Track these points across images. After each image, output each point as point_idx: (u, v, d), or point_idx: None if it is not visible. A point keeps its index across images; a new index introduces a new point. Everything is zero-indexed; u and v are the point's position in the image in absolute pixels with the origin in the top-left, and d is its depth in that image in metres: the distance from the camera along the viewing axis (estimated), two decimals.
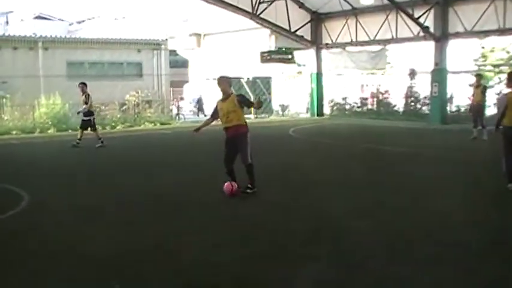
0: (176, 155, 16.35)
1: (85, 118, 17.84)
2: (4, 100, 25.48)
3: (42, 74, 27.13)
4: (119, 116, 27.74)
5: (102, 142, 17.78)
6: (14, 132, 24.10)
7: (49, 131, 24.90)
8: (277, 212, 8.14)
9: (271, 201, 8.84)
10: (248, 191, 9.03)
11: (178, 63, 43.86)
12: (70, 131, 24.60)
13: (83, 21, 55.58)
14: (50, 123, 25.41)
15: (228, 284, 5.23)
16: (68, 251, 6.23)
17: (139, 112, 28.82)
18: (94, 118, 18.24)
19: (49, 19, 51.98)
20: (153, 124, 27.90)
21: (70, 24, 55.09)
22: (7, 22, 32.78)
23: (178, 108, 34.79)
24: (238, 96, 9.35)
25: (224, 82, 9.18)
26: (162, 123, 28.24)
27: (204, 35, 40.64)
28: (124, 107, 28.32)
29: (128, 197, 9.33)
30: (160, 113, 29.67)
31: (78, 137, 17.88)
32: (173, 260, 5.88)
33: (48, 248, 6.35)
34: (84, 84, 18.01)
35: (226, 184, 9.00)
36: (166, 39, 32.60)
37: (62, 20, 54.25)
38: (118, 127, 26.43)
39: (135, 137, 22.66)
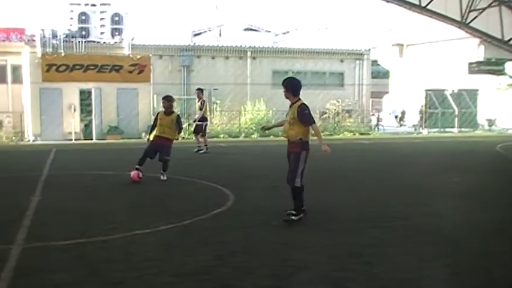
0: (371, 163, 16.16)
1: (198, 122, 18.44)
2: (215, 105, 27.39)
3: (249, 82, 28.66)
4: (319, 124, 28.21)
5: (207, 149, 18.30)
6: (222, 135, 25.78)
7: (252, 136, 26.22)
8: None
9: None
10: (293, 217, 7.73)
11: (379, 74, 43.53)
12: (272, 136, 25.67)
13: (288, 32, 57.80)
14: (253, 128, 26.74)
15: None
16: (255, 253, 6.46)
17: (339, 121, 29.09)
18: (206, 124, 18.79)
19: (257, 30, 54.90)
20: (352, 134, 27.98)
21: (276, 35, 57.64)
22: (220, 34, 35.39)
23: (378, 118, 34.52)
24: None
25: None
26: (361, 133, 28.21)
27: (407, 45, 39.82)
28: (324, 116, 28.78)
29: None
30: (359, 122, 29.68)
31: (197, 142, 18.60)
32: None
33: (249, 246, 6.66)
34: (200, 90, 18.78)
35: None
36: (369, 49, 32.54)
37: (269, 31, 56.96)
38: None
39: (334, 145, 22.82)
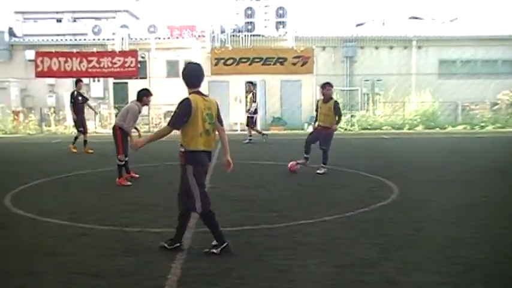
0: None
1: (249, 115, 18.91)
2: (378, 97, 26.95)
3: (414, 72, 27.80)
4: (489, 116, 26.65)
5: (250, 140, 18.95)
6: (385, 127, 25.31)
7: (417, 128, 25.42)
8: None
9: None
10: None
11: None
12: (438, 129, 24.74)
13: (455, 19, 55.00)
14: (418, 120, 25.92)
15: None
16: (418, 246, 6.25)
17: None
18: (256, 117, 19.27)
19: (422, 19, 52.94)
20: None
21: (442, 23, 55.15)
22: (383, 24, 34.73)
23: None
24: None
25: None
26: None
27: None
28: (496, 107, 27.06)
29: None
30: None
31: (249, 134, 19.10)
32: None
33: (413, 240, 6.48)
34: (251, 83, 18.92)
35: None
36: None
37: (434, 19, 54.65)
38: (487, 127, 25.43)
39: (506, 138, 21.41)
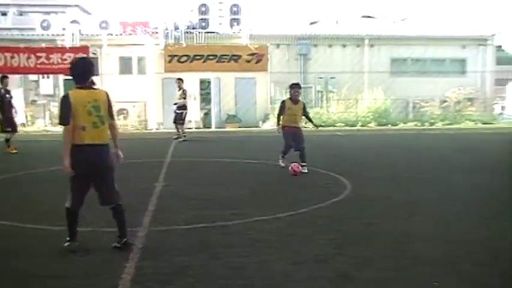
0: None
1: (178, 111, 18.96)
2: (332, 94, 27.26)
3: (366, 70, 28.23)
4: (438, 113, 27.30)
5: (185, 138, 18.93)
6: (338, 124, 25.63)
7: (369, 125, 25.82)
8: None
9: None
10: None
11: (504, 60, 41.17)
12: (390, 125, 25.18)
13: (406, 18, 56.00)
14: (371, 117, 26.34)
15: None
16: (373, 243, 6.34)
17: (460, 110, 27.93)
18: (186, 113, 19.24)
19: (374, 18, 53.74)
20: (474, 123, 26.77)
21: (393, 22, 56.07)
22: (337, 22, 35.10)
23: (502, 107, 32.80)
24: None
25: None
26: (484, 123, 26.93)
27: None
28: (444, 104, 27.76)
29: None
30: (482, 111, 28.33)
31: (178, 132, 19.16)
32: None
33: (368, 236, 6.57)
34: (181, 80, 19.10)
35: None
36: (493, 35, 30.87)
37: (386, 18, 55.54)
38: (437, 124, 26.03)
39: (454, 135, 21.94)
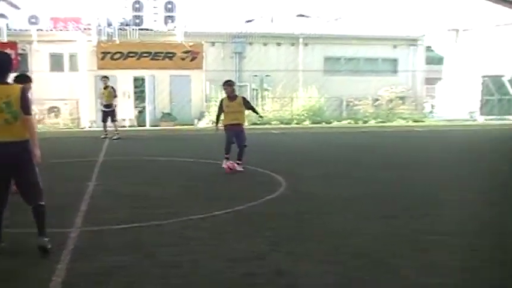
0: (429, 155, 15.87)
1: (105, 109, 18.97)
2: (267, 92, 27.43)
3: (301, 69, 28.56)
4: (371, 111, 27.96)
5: (118, 136, 18.73)
6: (274, 122, 25.80)
7: (304, 123, 26.14)
8: None
9: None
10: None
11: (433, 60, 42.55)
12: (324, 123, 25.56)
13: (339, 18, 57.10)
14: (306, 115, 26.68)
15: None
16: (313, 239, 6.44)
17: (392, 108, 28.69)
18: (114, 110, 19.09)
19: (308, 17, 54.50)
20: (405, 121, 27.56)
21: (327, 21, 57.05)
22: (272, 21, 35.44)
23: (432, 106, 33.94)
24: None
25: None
26: (415, 121, 27.76)
27: (463, 30, 38.73)
28: (377, 103, 28.45)
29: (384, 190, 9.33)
30: (413, 110, 29.23)
31: (104, 130, 19.16)
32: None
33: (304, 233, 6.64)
34: (107, 77, 19.04)
35: None
36: (423, 35, 31.89)
37: (320, 18, 56.46)
38: (370, 122, 26.63)
39: (387, 132, 22.51)
